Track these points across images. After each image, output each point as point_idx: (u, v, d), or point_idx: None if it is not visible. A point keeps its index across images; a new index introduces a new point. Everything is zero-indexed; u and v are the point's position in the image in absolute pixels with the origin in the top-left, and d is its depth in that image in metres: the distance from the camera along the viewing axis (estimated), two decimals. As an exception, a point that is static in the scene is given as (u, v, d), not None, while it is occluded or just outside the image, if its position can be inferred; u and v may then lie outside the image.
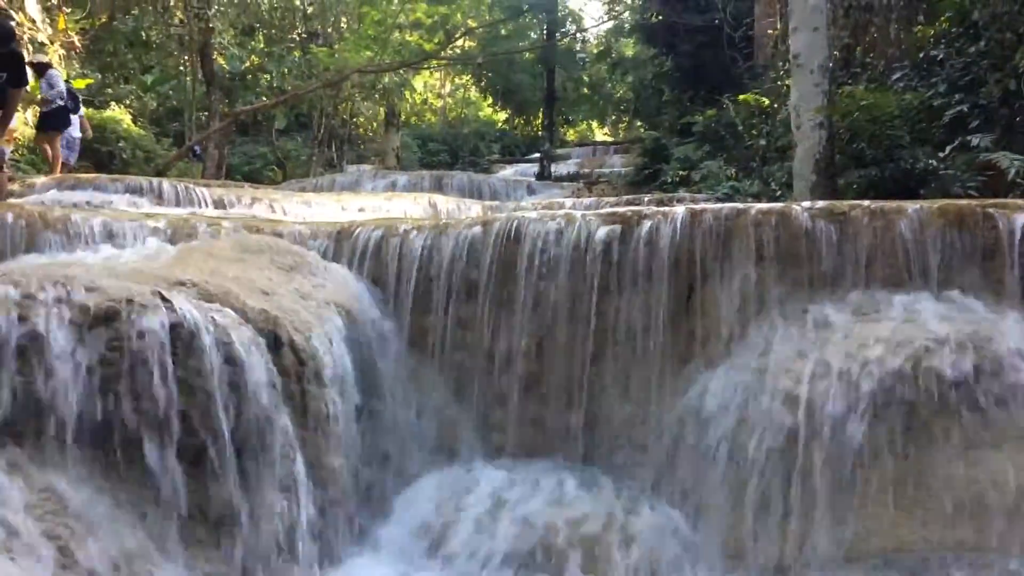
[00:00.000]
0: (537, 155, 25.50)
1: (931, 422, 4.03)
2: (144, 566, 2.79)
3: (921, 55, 10.56)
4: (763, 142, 12.84)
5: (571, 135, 36.01)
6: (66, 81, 12.68)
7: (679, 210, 5.21)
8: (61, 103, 11.89)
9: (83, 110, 13.71)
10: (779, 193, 10.75)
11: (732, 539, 4.32)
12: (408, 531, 4.59)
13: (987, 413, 4.03)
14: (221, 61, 19.99)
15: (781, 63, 13.47)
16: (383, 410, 5.00)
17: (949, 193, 7.60)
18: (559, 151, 26.86)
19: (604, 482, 4.86)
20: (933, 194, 7.67)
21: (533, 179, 20.76)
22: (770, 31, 16.35)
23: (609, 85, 30.90)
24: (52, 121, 11.97)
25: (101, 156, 16.30)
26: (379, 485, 4.81)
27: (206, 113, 20.08)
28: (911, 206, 4.87)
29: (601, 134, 37.23)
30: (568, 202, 12.15)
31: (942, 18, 10.45)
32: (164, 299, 3.29)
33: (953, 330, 4.25)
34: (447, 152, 28.07)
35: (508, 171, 24.59)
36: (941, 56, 9.93)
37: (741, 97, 13.98)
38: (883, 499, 3.99)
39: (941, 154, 8.49)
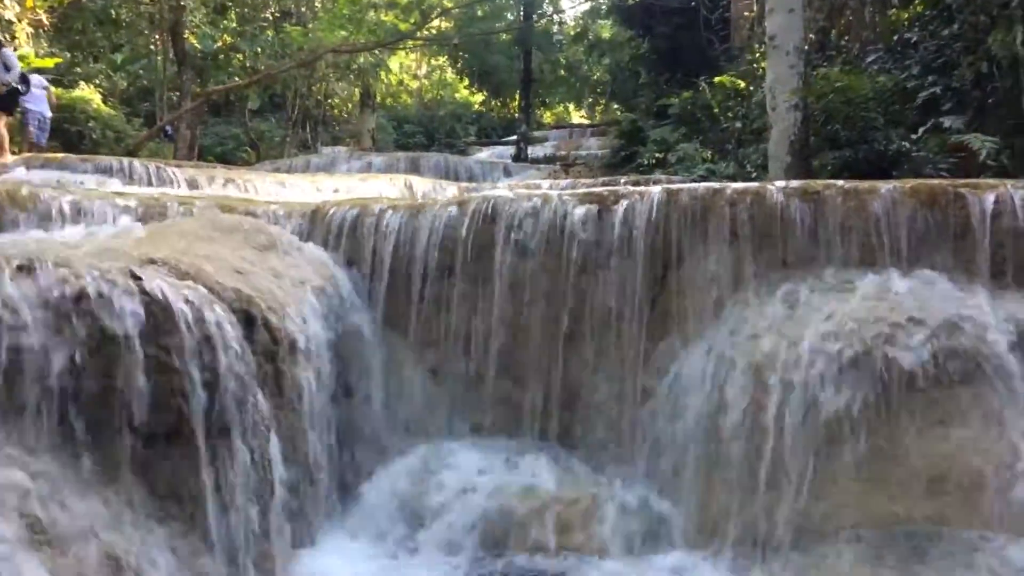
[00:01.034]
0: (514, 137, 25.46)
1: (901, 398, 4.08)
2: (117, 543, 2.76)
3: (895, 38, 10.65)
4: (739, 124, 12.90)
5: (548, 117, 35.95)
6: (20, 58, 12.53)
7: (655, 190, 5.22)
8: (15, 85, 11.74)
9: (50, 86, 13.49)
10: (754, 175, 10.82)
11: (706, 515, 4.37)
12: (383, 510, 4.59)
13: (955, 390, 4.09)
14: (193, 40, 19.70)
15: (757, 45, 13.52)
16: (358, 389, 4.98)
17: (921, 174, 7.68)
18: (536, 133, 26.83)
19: (580, 460, 4.90)
20: (906, 176, 7.74)
21: (509, 161, 20.71)
22: (746, 13, 16.40)
23: (586, 67, 30.82)
24: (4, 103, 11.80)
25: (70, 136, 16.07)
26: (355, 464, 4.81)
27: (177, 93, 19.81)
28: (884, 186, 4.90)
29: (578, 117, 37.19)
30: (545, 184, 12.13)
31: (916, 1, 10.52)
32: (135, 276, 3.25)
33: (923, 309, 4.30)
34: (423, 134, 27.94)
35: (484, 153, 24.53)
36: (915, 39, 10.01)
37: (717, 79, 14.00)
38: (854, 474, 4.04)
39: (914, 136, 8.57)
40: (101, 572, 2.64)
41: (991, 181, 4.96)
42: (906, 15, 10.85)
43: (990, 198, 4.64)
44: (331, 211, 5.64)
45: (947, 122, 8.34)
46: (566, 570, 4.19)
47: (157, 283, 3.27)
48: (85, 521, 2.72)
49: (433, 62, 35.93)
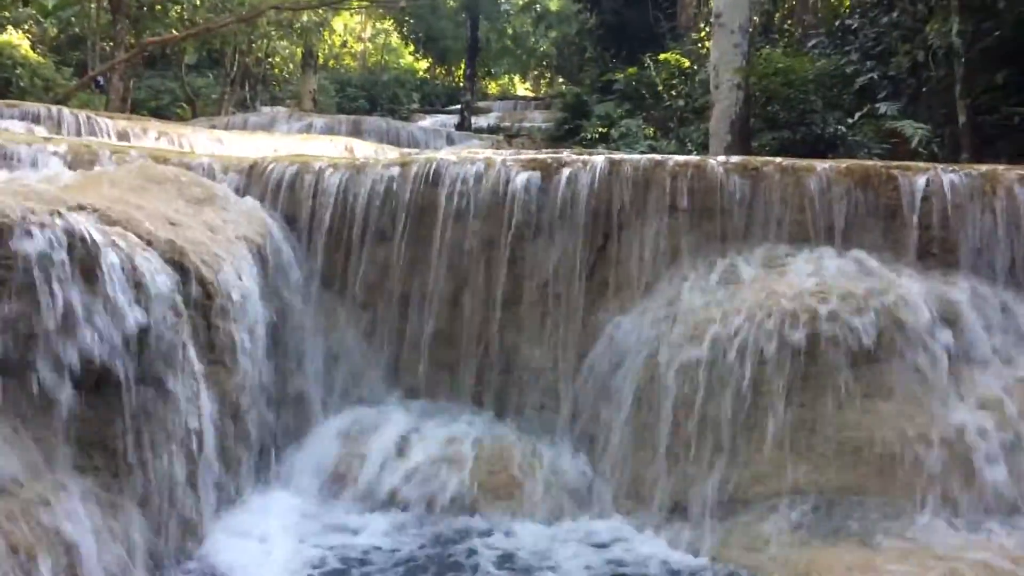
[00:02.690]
0: (457, 106, 25.22)
1: (828, 371, 4.19)
2: (36, 492, 2.68)
3: (837, 23, 10.84)
4: (681, 103, 13.01)
5: (493, 88, 35.73)
6: None
7: (599, 159, 5.23)
8: None
9: None
10: (694, 154, 10.93)
11: (634, 481, 4.44)
12: (314, 469, 4.56)
13: (880, 364, 4.22)
14: (128, -12, 18.96)
15: (703, 24, 13.62)
16: (293, 349, 4.91)
17: (856, 158, 7.86)
18: (480, 104, 26.63)
19: (514, 425, 4.92)
20: (841, 159, 7.93)
21: (453, 130, 20.52)
22: (693, -8, 16.48)
23: (532, 39, 30.63)
24: None
25: (-5, 82, 15.40)
26: (287, 423, 4.75)
27: (111, 43, 19.07)
28: (820, 165, 5.01)
29: (523, 89, 37.04)
30: (488, 152, 12.07)
31: (858, -12, 10.72)
32: (62, 218, 3.12)
33: (852, 285, 4.42)
34: (366, 98, 27.43)
35: (427, 121, 24.22)
36: (855, 25, 10.22)
37: (662, 56, 14.07)
38: (779, 443, 4.14)
39: (850, 120, 8.77)
40: (19, 521, 2.55)
41: (923, 164, 5.09)
42: (848, 2, 11.05)
43: (920, 180, 4.77)
44: (270, 167, 5.51)
45: (883, 108, 8.55)
46: (493, 532, 4.22)
47: (85, 227, 3.15)
48: (3, 467, 2.63)
49: (378, 25, 35.26)
